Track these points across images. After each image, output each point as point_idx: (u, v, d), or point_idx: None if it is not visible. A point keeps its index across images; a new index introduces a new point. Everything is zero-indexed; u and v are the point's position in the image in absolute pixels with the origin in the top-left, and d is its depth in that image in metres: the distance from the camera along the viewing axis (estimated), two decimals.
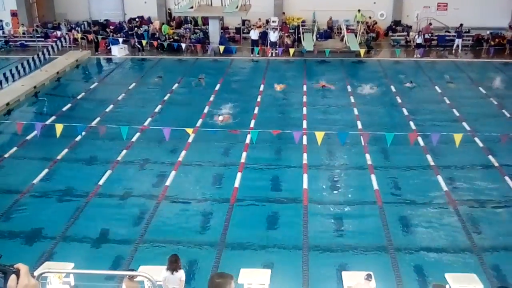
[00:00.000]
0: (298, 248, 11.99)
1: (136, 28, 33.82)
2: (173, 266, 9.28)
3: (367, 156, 16.51)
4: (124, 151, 17.03)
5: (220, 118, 19.67)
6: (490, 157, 16.48)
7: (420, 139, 17.16)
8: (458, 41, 31.44)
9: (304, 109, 21.44)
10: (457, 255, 11.96)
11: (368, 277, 9.25)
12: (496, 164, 16.08)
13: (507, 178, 15.19)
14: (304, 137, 17.07)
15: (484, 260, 11.51)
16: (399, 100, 22.44)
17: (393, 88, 24.11)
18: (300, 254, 11.75)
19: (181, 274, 9.33)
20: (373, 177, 15.24)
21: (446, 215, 13.61)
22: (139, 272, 8.80)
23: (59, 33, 32.53)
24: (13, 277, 2.14)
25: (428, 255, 11.92)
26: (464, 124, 19.30)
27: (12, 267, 2.18)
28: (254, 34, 31.59)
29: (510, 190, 14.66)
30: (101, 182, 15.10)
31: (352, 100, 22.58)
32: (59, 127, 14.45)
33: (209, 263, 11.34)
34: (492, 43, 31.13)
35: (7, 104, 21.81)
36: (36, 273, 6.95)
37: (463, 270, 10.56)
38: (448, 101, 22.17)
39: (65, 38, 30.29)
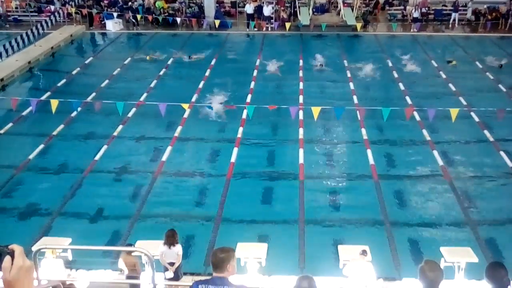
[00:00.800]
0: (295, 222, 12.07)
1: (130, 3, 33.39)
2: (170, 240, 9.31)
3: (363, 131, 16.53)
4: (120, 127, 16.99)
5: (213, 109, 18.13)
6: (486, 131, 16.51)
7: (416, 114, 17.13)
8: (454, 15, 31.23)
9: (301, 84, 21.33)
10: (452, 229, 12.07)
11: (364, 253, 9.28)
12: (492, 139, 16.12)
13: (502, 152, 15.25)
14: (301, 112, 17.03)
15: (479, 233, 11.62)
16: (396, 75, 22.35)
17: (389, 63, 23.99)
18: (297, 228, 11.84)
19: (178, 248, 9.38)
20: (369, 152, 15.28)
21: (442, 189, 13.70)
22: (136, 247, 8.83)
23: (52, 7, 32.03)
24: (7, 258, 2.11)
25: (423, 229, 12.03)
26: (461, 98, 19.27)
27: (7, 248, 2.15)
28: (249, 8, 31.25)
29: (505, 164, 14.73)
30: (97, 158, 15.10)
31: (349, 74, 22.47)
32: (54, 103, 14.34)
33: (206, 238, 11.42)
34: (489, 17, 30.88)
35: (2, 79, 21.64)
36: (34, 248, 6.98)
37: (458, 244, 10.63)
38: (444, 76, 22.11)
39: (59, 13, 29.87)
